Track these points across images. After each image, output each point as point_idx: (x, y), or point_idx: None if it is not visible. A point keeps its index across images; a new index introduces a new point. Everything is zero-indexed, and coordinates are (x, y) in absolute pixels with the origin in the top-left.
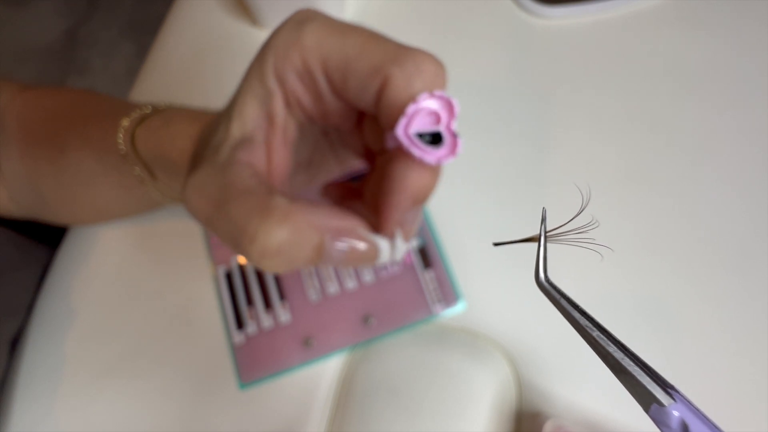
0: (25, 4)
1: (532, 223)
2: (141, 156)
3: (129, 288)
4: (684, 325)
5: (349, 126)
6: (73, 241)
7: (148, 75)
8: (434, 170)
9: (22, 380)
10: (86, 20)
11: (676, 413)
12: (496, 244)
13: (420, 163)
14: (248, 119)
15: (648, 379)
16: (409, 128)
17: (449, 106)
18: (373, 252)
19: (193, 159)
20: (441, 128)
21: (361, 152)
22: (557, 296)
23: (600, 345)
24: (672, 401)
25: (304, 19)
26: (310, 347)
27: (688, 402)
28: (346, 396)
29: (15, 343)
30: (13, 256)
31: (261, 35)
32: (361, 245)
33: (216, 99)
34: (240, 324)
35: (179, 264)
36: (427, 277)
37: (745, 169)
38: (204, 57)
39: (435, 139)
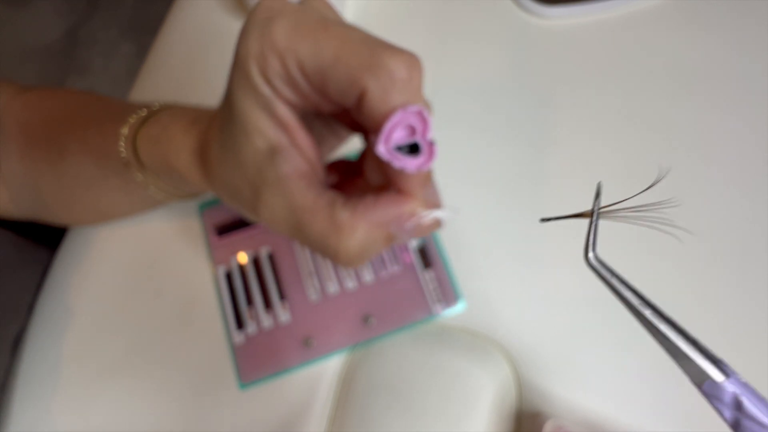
0: (25, 4)
1: (532, 223)
2: (145, 165)
3: (129, 288)
4: (683, 325)
5: (341, 110)
6: (73, 242)
7: (148, 75)
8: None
9: (22, 380)
10: (86, 20)
11: (729, 389)
12: (543, 220)
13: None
14: (265, 129)
15: (700, 356)
16: (388, 143)
17: (423, 119)
18: (435, 222)
19: (222, 176)
20: (417, 139)
21: (354, 126)
22: (607, 275)
23: (652, 323)
24: (725, 377)
25: (269, 17)
26: (310, 347)
27: (740, 378)
28: (346, 396)
29: (17, 343)
30: (13, 257)
31: None
32: (425, 221)
33: (216, 98)
34: (240, 324)
35: (179, 264)
36: (427, 277)
37: (745, 168)
38: (204, 57)
39: (413, 148)
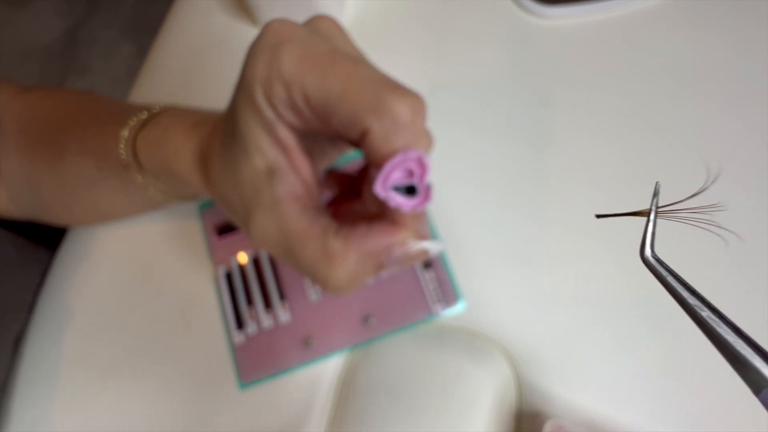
0: (25, 5)
1: (532, 223)
2: (144, 167)
3: (129, 288)
4: (685, 325)
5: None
6: (74, 242)
7: (148, 75)
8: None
9: (23, 380)
10: (86, 20)
11: None
12: (599, 216)
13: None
14: (265, 150)
15: (762, 361)
16: (386, 183)
17: (422, 164)
18: (423, 252)
19: (221, 188)
20: (415, 182)
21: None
22: (664, 273)
23: (709, 325)
24: None
25: (278, 42)
26: (310, 347)
27: None
28: (346, 396)
29: (17, 343)
30: (13, 257)
31: None
32: (413, 252)
33: (216, 99)
34: (240, 324)
35: (179, 264)
36: (427, 277)
37: (745, 168)
38: (204, 57)
39: (410, 189)
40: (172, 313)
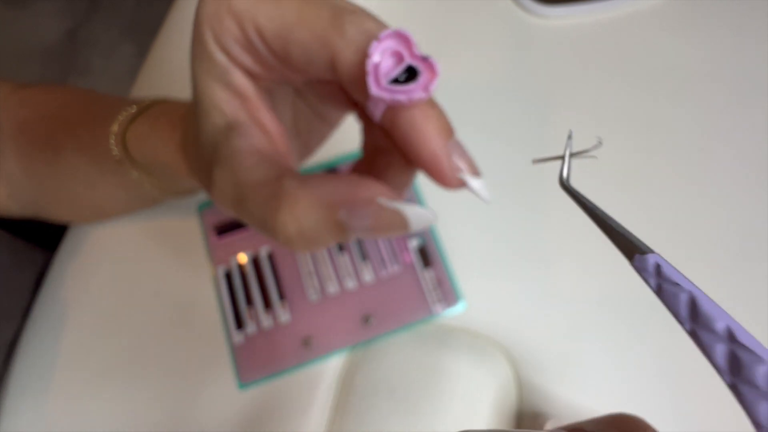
0: (26, 5)
1: (532, 223)
2: (137, 162)
3: (128, 288)
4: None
5: (315, 78)
6: (71, 242)
7: (148, 75)
8: (431, 101)
9: (19, 382)
10: (87, 21)
11: (651, 260)
12: (535, 162)
13: (416, 105)
14: (221, 104)
15: (635, 237)
16: (379, 78)
17: (402, 38)
18: (399, 219)
19: (194, 164)
20: (409, 61)
21: (342, 101)
22: (576, 192)
23: (598, 214)
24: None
25: None
26: (309, 347)
27: (658, 255)
28: (346, 396)
29: (12, 347)
30: (7, 260)
31: None
32: (384, 215)
33: None
34: (239, 324)
35: (178, 264)
36: (427, 276)
37: (745, 168)
38: None
39: (410, 72)
40: (171, 314)
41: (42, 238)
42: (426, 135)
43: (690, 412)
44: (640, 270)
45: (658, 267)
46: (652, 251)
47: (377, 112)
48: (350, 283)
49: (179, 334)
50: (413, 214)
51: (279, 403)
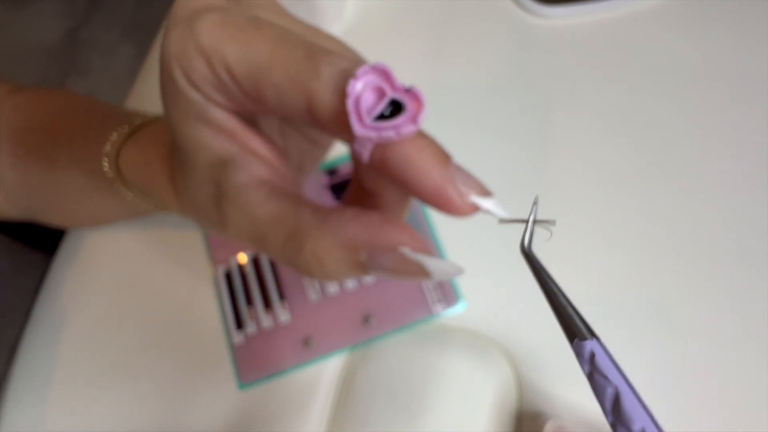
0: (26, 6)
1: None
2: (132, 185)
3: (127, 289)
4: (685, 325)
5: (295, 119)
6: (71, 244)
7: (148, 76)
8: (419, 131)
9: (20, 383)
10: (87, 21)
11: (588, 347)
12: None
13: (406, 139)
14: (208, 142)
15: (579, 321)
16: (361, 116)
17: (381, 72)
18: (421, 270)
19: (187, 206)
20: (391, 95)
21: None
22: (536, 261)
23: (554, 292)
24: (589, 339)
25: (193, 13)
26: (309, 347)
27: (599, 342)
28: (346, 396)
29: (13, 349)
30: (6, 262)
31: None
32: (407, 265)
33: None
34: (239, 324)
35: (178, 264)
36: None
37: (745, 168)
38: None
39: (395, 107)
40: (171, 314)
41: (41, 241)
42: (425, 168)
43: (690, 413)
44: (577, 354)
45: (593, 355)
46: (592, 338)
47: (365, 153)
48: (350, 283)
49: (179, 334)
50: (435, 267)
51: (279, 403)
